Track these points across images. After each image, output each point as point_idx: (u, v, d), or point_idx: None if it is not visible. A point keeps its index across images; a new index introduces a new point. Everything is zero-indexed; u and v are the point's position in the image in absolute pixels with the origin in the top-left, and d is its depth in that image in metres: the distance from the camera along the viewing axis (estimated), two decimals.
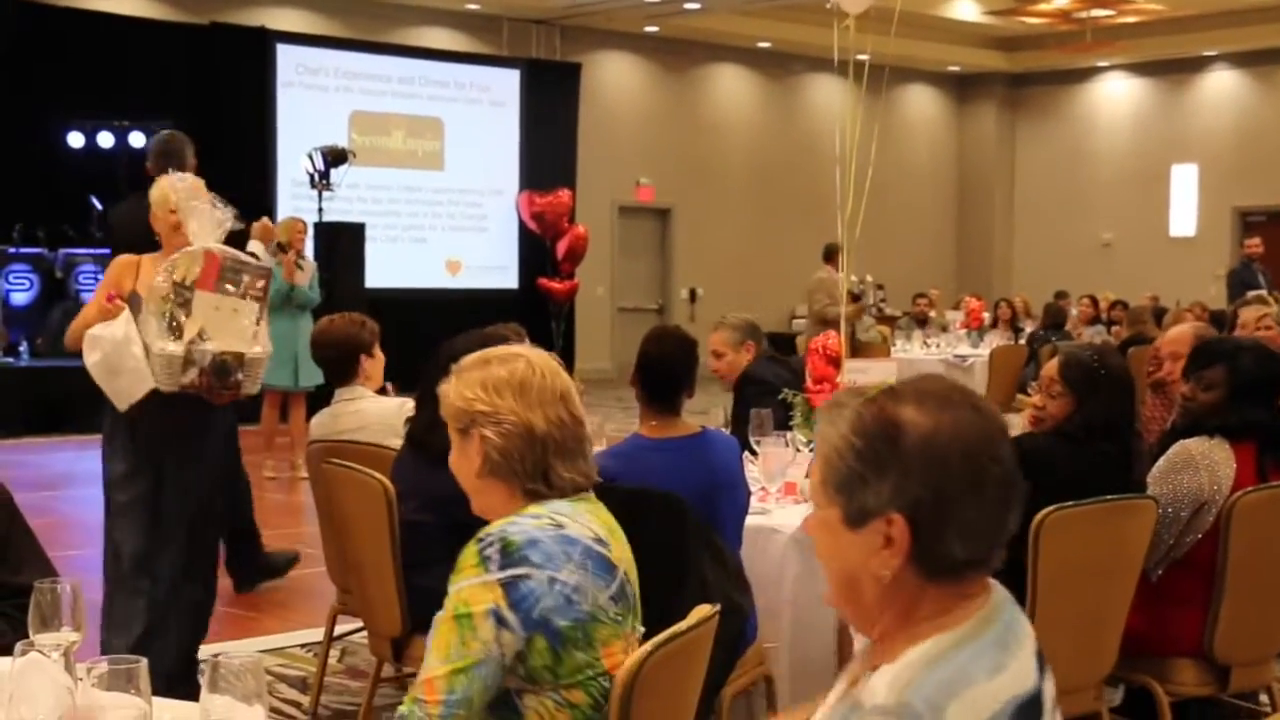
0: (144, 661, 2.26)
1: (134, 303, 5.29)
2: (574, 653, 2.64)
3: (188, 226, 5.33)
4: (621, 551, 2.81)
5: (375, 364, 5.82)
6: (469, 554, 2.66)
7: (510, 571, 2.62)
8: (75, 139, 16.26)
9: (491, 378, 2.80)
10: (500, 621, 2.60)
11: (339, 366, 5.81)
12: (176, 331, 5.16)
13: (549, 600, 2.61)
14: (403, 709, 2.61)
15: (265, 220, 11.85)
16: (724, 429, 5.50)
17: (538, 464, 2.78)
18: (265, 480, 11.33)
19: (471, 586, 2.62)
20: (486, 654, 2.59)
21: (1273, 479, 4.64)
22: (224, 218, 5.39)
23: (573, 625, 2.64)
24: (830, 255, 14.77)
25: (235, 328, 5.24)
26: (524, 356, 2.86)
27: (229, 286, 5.22)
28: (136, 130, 16.33)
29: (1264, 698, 5.08)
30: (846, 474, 1.93)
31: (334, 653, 5.97)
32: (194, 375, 5.18)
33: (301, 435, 10.84)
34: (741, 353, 6.59)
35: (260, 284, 5.31)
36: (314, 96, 18.55)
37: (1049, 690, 1.97)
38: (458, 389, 2.82)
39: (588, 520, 2.76)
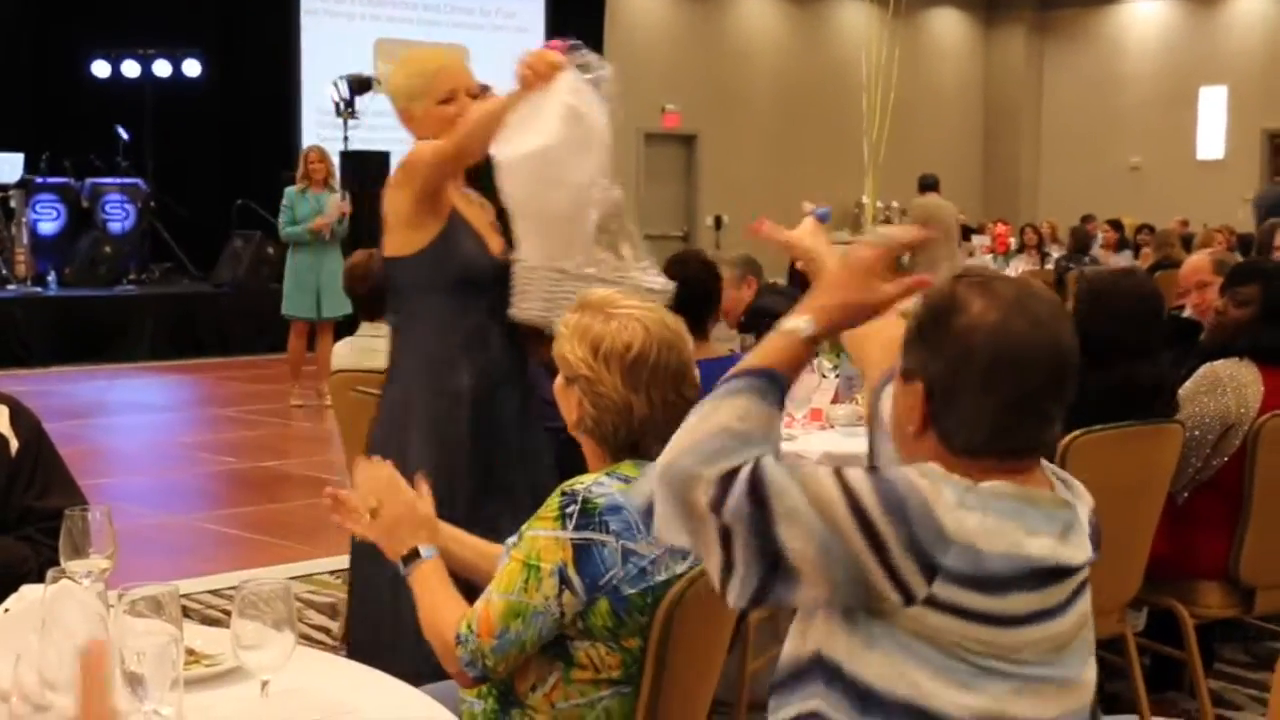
0: (176, 587, 2.28)
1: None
2: (637, 616, 2.61)
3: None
4: None
5: None
6: (552, 504, 2.61)
7: (584, 534, 2.57)
8: (100, 68, 16.24)
9: (601, 342, 2.69)
10: (564, 581, 2.56)
11: (371, 303, 5.81)
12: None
13: (619, 570, 2.57)
14: (461, 630, 2.60)
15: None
16: None
17: (630, 437, 2.71)
18: (293, 409, 11.41)
19: (545, 539, 2.58)
20: (545, 607, 2.56)
21: None
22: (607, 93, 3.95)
23: (641, 594, 2.60)
24: (930, 186, 14.96)
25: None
26: (644, 323, 2.71)
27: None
28: (161, 59, 16.31)
29: None
30: (911, 332, 2.12)
31: None
32: None
33: (327, 364, 10.88)
34: (743, 289, 6.53)
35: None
36: (338, 24, 18.46)
37: (1083, 603, 2.09)
38: (570, 341, 2.72)
39: None
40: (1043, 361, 2.04)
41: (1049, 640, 2.02)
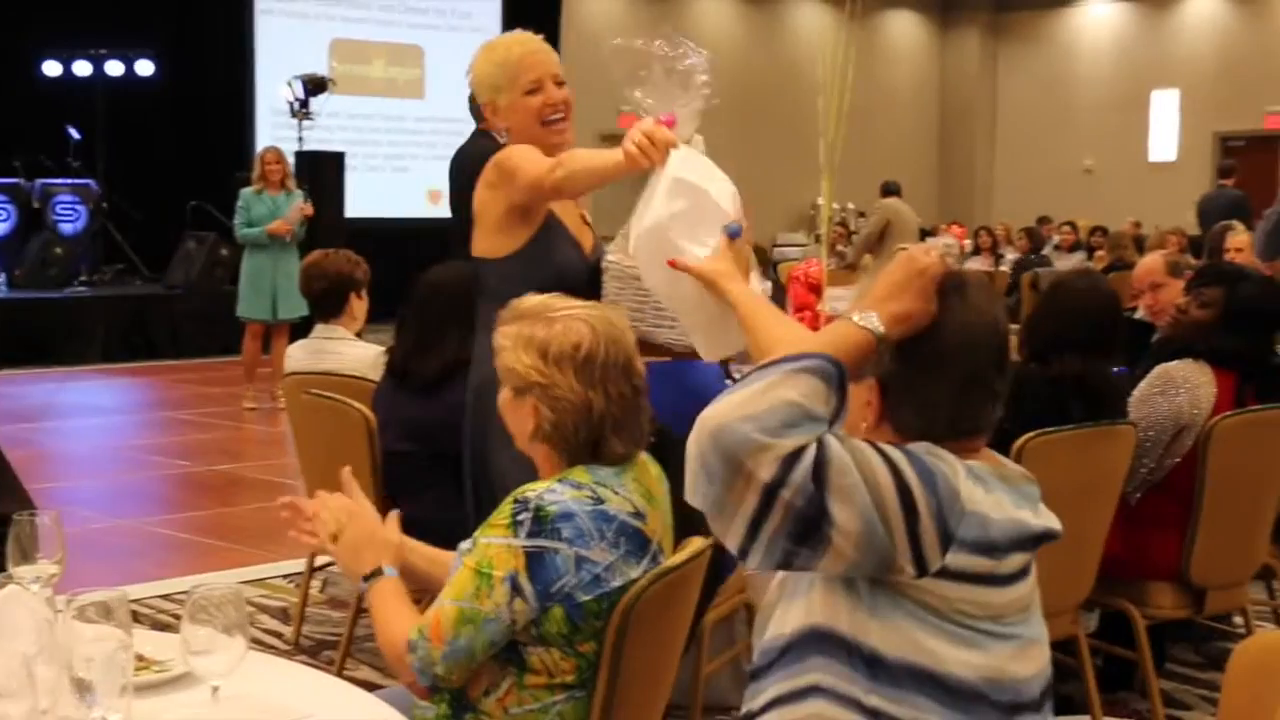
0: (125, 592, 2.26)
1: None
2: (592, 621, 2.60)
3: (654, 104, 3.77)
4: (658, 520, 2.75)
5: (362, 305, 5.83)
6: (504, 510, 2.60)
7: (537, 542, 2.55)
8: (51, 68, 16.11)
9: (554, 347, 2.67)
10: (516, 589, 2.55)
11: (328, 302, 5.80)
12: None
13: (572, 578, 2.56)
14: (412, 635, 2.59)
15: None
16: None
17: (591, 437, 2.69)
18: (246, 411, 11.35)
19: (497, 546, 2.57)
20: (496, 614, 2.55)
21: (1251, 405, 4.66)
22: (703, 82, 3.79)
23: (596, 600, 2.59)
24: (892, 191, 15.35)
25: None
26: (587, 322, 2.70)
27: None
28: (114, 59, 16.20)
29: (1238, 619, 5.12)
30: None
31: (315, 583, 5.99)
32: None
33: (282, 367, 10.83)
34: None
35: None
36: (293, 24, 18.40)
37: (1031, 583, 2.19)
38: (515, 352, 2.70)
39: (629, 491, 2.69)
40: (985, 341, 2.16)
41: (1021, 600, 2.13)
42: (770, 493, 1.99)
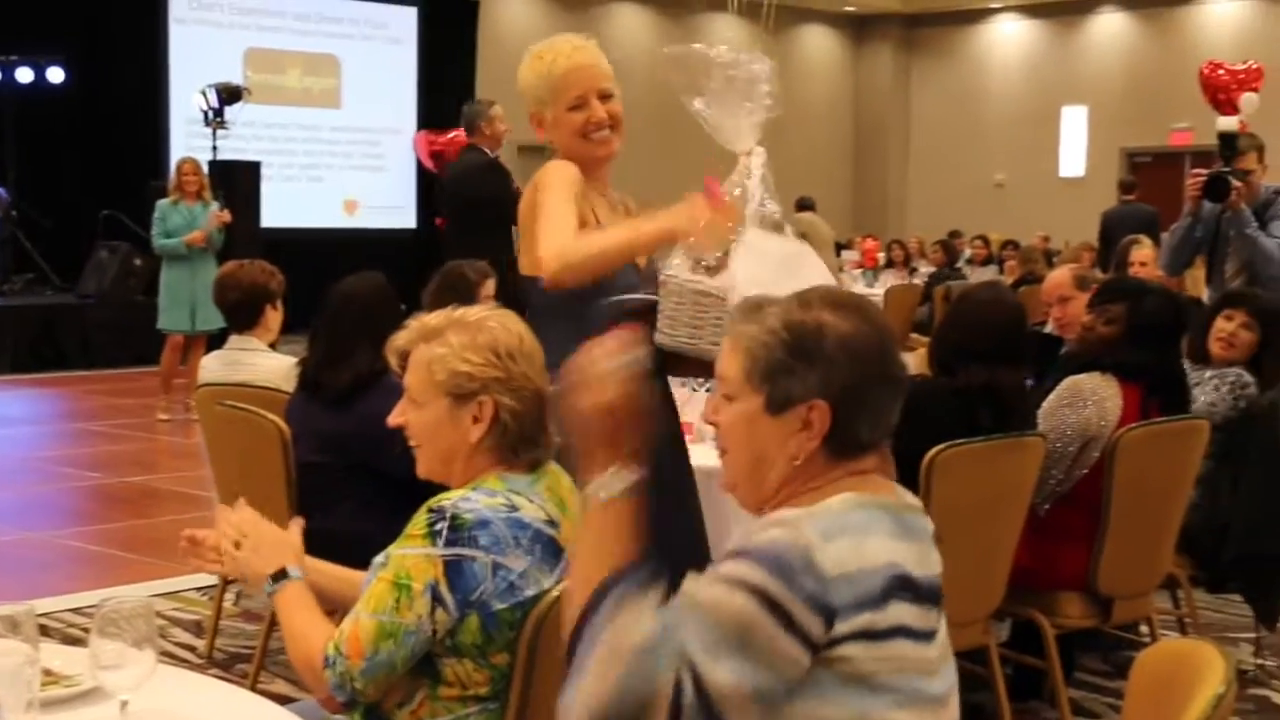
0: (32, 606, 2.23)
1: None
2: (505, 631, 2.60)
3: (715, 114, 3.72)
4: (571, 528, 2.73)
5: (277, 317, 5.80)
6: (419, 522, 2.59)
7: (455, 550, 2.55)
8: None
9: (496, 342, 2.70)
10: (436, 598, 2.54)
11: (241, 312, 5.77)
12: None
13: (489, 585, 2.56)
14: (329, 651, 2.57)
15: None
16: None
17: (540, 424, 2.72)
18: (159, 423, 11.24)
19: (415, 557, 2.56)
20: (418, 626, 2.54)
21: (1154, 417, 4.73)
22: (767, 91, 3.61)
23: (510, 609, 2.59)
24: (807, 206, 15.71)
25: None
26: (505, 320, 2.75)
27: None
28: (24, 66, 15.99)
29: (1144, 628, 5.19)
30: (774, 365, 2.14)
31: (229, 596, 5.93)
32: None
33: (198, 378, 10.74)
34: None
35: None
36: (208, 32, 18.24)
37: (941, 619, 2.14)
38: (460, 357, 2.69)
39: (543, 498, 2.70)
40: (892, 348, 2.20)
41: (933, 656, 2.08)
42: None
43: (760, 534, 2.02)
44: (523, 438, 2.72)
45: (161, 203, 11.47)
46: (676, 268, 3.49)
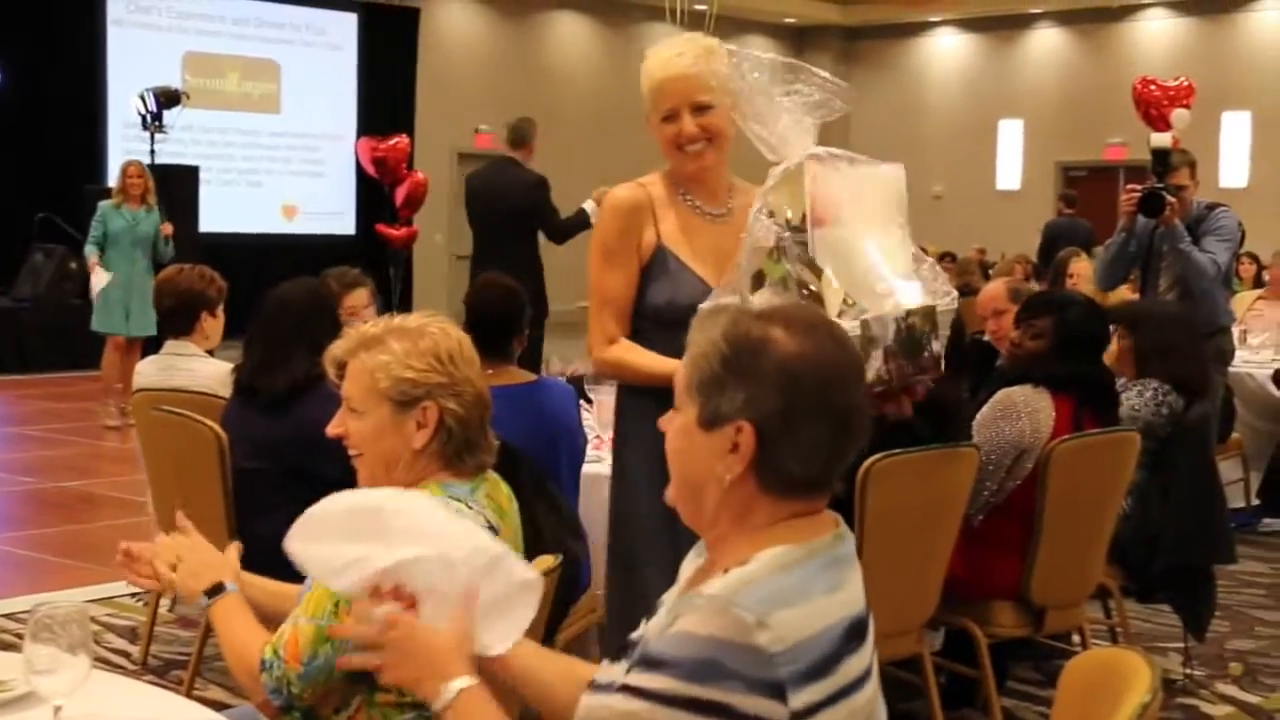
0: None
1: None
2: None
3: (760, 127, 3.53)
4: (509, 535, 2.76)
5: (216, 324, 5.72)
6: None
7: None
8: None
9: (438, 348, 2.71)
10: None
11: (177, 319, 5.70)
12: (818, 303, 3.28)
13: None
14: (266, 654, 2.57)
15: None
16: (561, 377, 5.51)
17: (483, 427, 2.74)
18: (106, 430, 11.12)
19: None
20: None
21: (1087, 429, 4.78)
22: (818, 100, 3.48)
23: None
24: None
25: (871, 273, 3.36)
26: (442, 325, 2.77)
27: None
28: None
29: (1075, 638, 5.24)
30: (710, 377, 2.01)
31: (164, 602, 5.88)
32: (879, 362, 3.34)
33: (131, 382, 10.64)
34: None
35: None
36: (146, 36, 18.13)
37: (871, 619, 2.04)
38: (403, 364, 2.69)
39: (482, 505, 2.71)
40: (854, 377, 2.04)
41: (871, 699, 2.00)
42: None
43: (673, 627, 1.89)
44: (466, 442, 2.73)
45: (103, 204, 11.37)
46: (731, 295, 3.38)
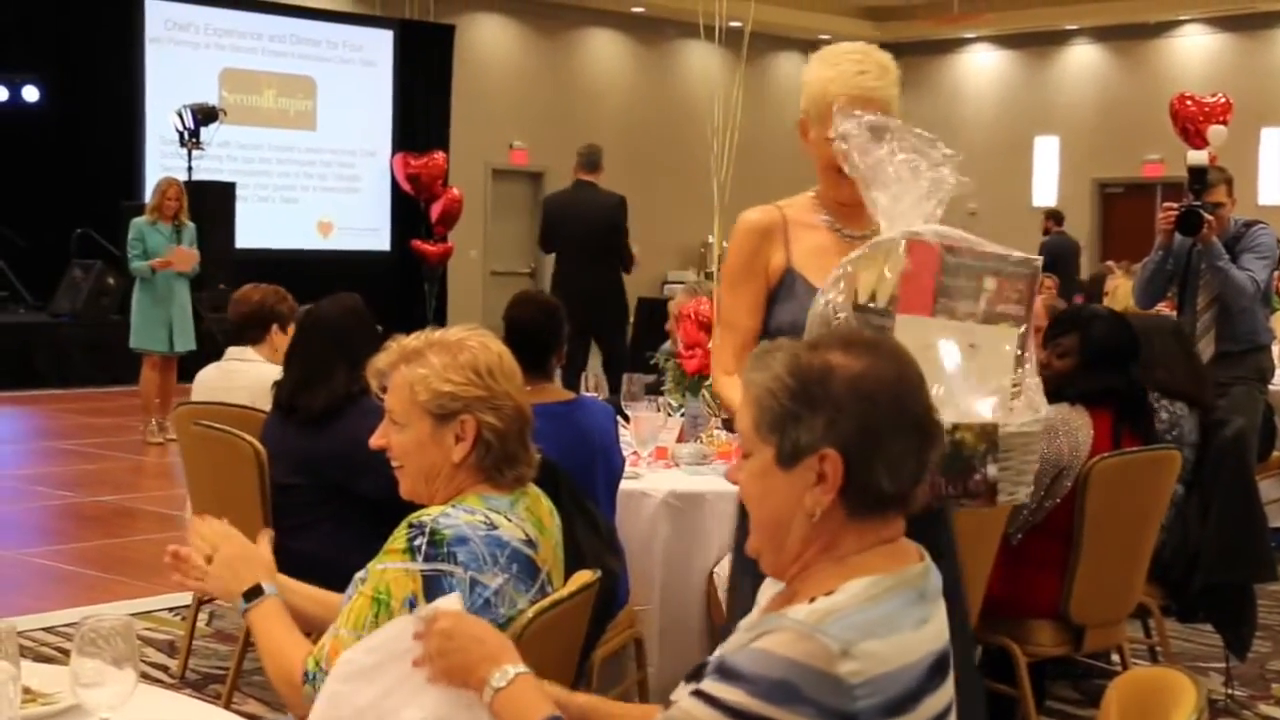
0: (13, 624, 2.23)
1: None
2: None
3: (870, 195, 3.13)
4: (549, 550, 2.79)
5: (284, 340, 5.82)
6: (399, 537, 2.62)
7: (434, 566, 2.57)
8: None
9: (476, 362, 2.73)
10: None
11: (250, 329, 5.97)
12: None
13: (466, 602, 2.56)
14: (309, 667, 2.59)
15: None
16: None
17: (521, 440, 2.76)
18: (147, 445, 11.15)
19: (395, 572, 2.59)
20: None
21: (1127, 445, 4.76)
22: (941, 181, 3.18)
23: None
24: None
25: (972, 377, 2.93)
26: (483, 338, 2.80)
27: (957, 303, 2.92)
28: (0, 86, 15.96)
29: (1114, 657, 5.21)
30: (780, 413, 2.00)
31: (202, 616, 5.92)
32: None
33: (172, 398, 10.70)
34: None
35: (1019, 289, 3.04)
36: (183, 53, 18.23)
37: (951, 669, 2.03)
38: (442, 378, 2.71)
39: (522, 518, 2.73)
40: (920, 383, 2.05)
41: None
42: None
43: (755, 643, 1.89)
44: (505, 455, 2.74)
45: (138, 221, 11.41)
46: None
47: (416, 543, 2.59)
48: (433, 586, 2.57)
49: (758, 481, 2.05)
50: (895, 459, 1.97)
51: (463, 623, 2.30)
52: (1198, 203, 7.09)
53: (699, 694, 1.89)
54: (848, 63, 3.41)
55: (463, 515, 2.64)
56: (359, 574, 2.65)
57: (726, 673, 1.89)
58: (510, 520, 2.69)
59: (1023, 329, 2.96)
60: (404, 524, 2.64)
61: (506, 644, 2.30)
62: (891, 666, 1.87)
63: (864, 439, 1.96)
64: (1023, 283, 3.00)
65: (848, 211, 3.40)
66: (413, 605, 2.56)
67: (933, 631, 1.97)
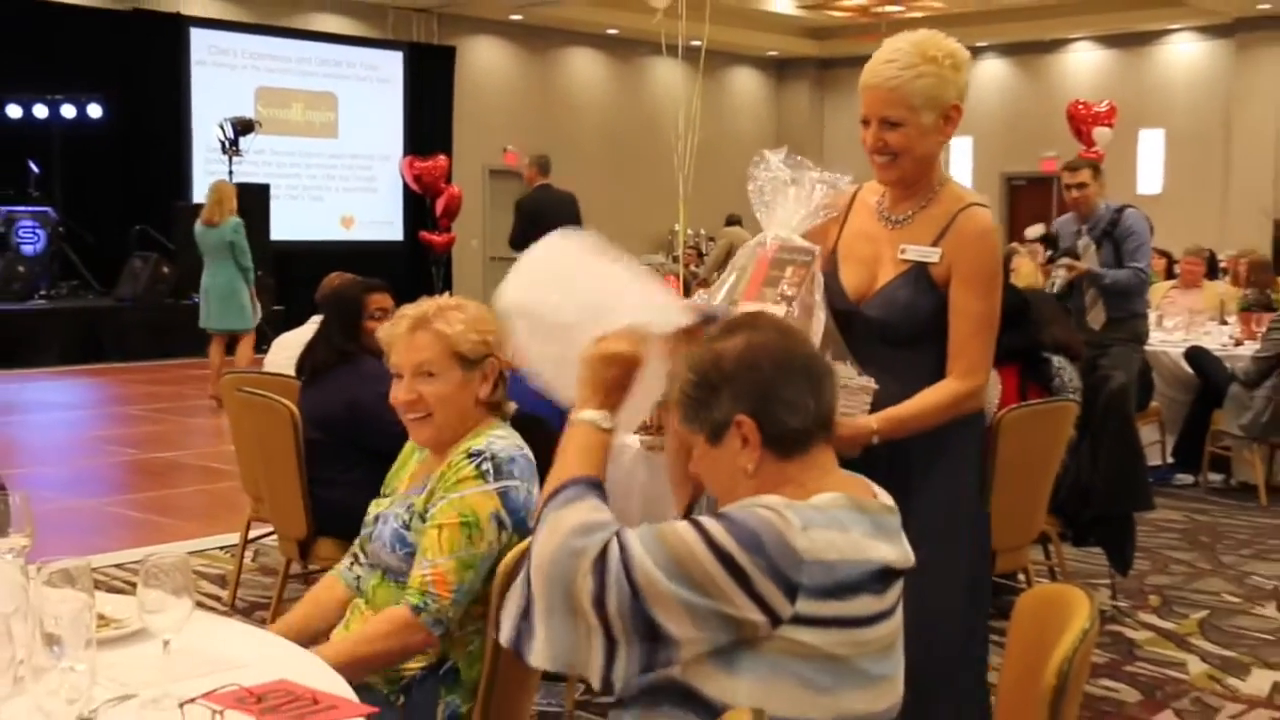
0: (88, 561, 2.23)
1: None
2: None
3: (758, 214, 3.13)
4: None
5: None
6: (464, 468, 2.65)
7: (503, 483, 2.65)
8: (14, 110, 15.74)
9: (485, 314, 2.78)
10: (500, 524, 2.63)
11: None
12: None
13: (531, 508, 2.63)
14: (413, 600, 2.61)
15: None
16: None
17: (505, 384, 2.84)
18: (200, 408, 11.12)
19: (475, 495, 2.63)
20: (490, 552, 2.62)
21: (1032, 397, 4.78)
22: (817, 203, 3.10)
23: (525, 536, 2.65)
24: (734, 221, 16.24)
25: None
26: (463, 301, 2.85)
27: (767, 289, 2.93)
28: (67, 103, 15.86)
29: (1021, 576, 5.24)
30: (694, 402, 2.06)
31: (249, 553, 5.92)
32: None
33: (220, 369, 10.68)
34: None
35: (800, 274, 2.95)
36: (224, 74, 18.12)
37: (898, 589, 2.02)
38: (464, 335, 2.74)
39: (519, 439, 2.80)
40: (795, 336, 2.10)
41: (884, 639, 1.97)
42: (600, 607, 1.87)
43: (747, 505, 1.93)
44: (504, 391, 2.83)
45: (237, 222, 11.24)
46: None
47: (484, 467, 2.65)
48: (507, 499, 2.65)
49: (702, 464, 2.09)
50: (793, 402, 2.00)
51: (615, 356, 2.14)
52: (1061, 256, 7.30)
53: (692, 522, 1.92)
54: (884, 53, 3.12)
55: (503, 439, 2.72)
56: (416, 524, 2.68)
57: (719, 515, 1.93)
58: (518, 443, 2.77)
59: (792, 306, 2.83)
60: (463, 455, 2.68)
61: (611, 391, 2.12)
62: (837, 556, 1.89)
63: (762, 397, 2.00)
64: (803, 268, 2.91)
65: (894, 194, 3.20)
66: (498, 519, 2.62)
67: (889, 551, 1.96)
